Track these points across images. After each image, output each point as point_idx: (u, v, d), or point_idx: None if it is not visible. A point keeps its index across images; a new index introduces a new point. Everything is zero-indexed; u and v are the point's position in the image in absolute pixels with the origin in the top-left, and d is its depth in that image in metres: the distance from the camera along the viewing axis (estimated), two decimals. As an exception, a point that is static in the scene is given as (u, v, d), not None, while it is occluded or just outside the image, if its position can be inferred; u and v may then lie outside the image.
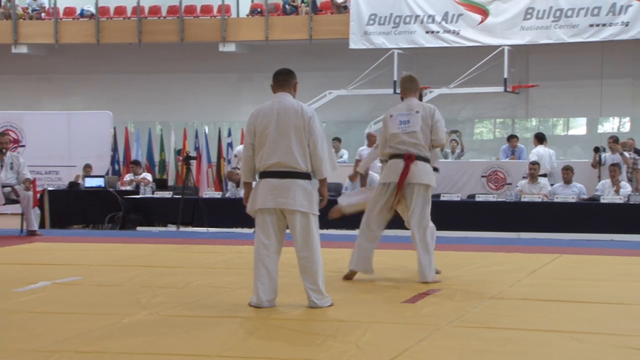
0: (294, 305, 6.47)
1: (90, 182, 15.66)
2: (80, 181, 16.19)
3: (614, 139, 14.85)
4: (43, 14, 22.88)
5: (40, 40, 22.46)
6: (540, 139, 15.67)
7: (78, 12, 22.63)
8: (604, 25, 18.28)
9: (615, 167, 13.42)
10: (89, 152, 17.52)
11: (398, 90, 21.33)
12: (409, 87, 7.89)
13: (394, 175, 7.59)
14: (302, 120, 6.26)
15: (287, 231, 6.43)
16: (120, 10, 22.50)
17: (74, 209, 15.30)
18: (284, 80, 6.50)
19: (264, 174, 6.33)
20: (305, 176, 6.29)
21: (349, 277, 7.81)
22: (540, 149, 15.30)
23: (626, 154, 14.49)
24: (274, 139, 6.25)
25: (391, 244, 10.08)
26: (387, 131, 7.73)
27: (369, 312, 6.26)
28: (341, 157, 18.04)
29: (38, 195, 13.63)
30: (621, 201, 12.62)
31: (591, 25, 18.38)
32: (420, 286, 7.35)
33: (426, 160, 7.66)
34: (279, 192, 6.23)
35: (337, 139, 18.42)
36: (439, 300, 6.72)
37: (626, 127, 20.45)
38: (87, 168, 16.82)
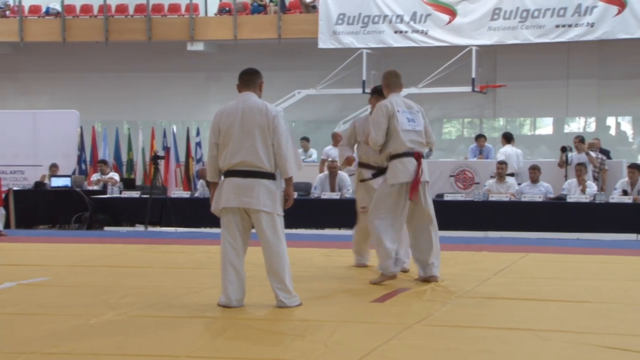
0: (262, 305, 6.45)
1: (56, 182, 15.53)
2: (46, 181, 16.05)
3: (580, 139, 15.00)
4: (8, 12, 22.62)
5: (5, 39, 22.19)
6: (507, 138, 15.81)
7: (44, 10, 22.40)
8: (569, 26, 18.45)
9: (581, 167, 13.55)
10: (55, 151, 17.39)
11: (367, 90, 21.46)
12: (395, 83, 7.72)
13: (410, 174, 7.44)
14: (267, 119, 6.24)
15: (253, 230, 6.42)
16: (86, 9, 22.31)
17: (40, 209, 15.17)
18: (249, 79, 6.48)
19: (228, 173, 6.32)
20: (270, 176, 6.27)
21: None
22: (508, 148, 15.42)
23: (592, 153, 14.64)
24: (238, 138, 6.24)
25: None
26: (396, 125, 7.43)
27: (338, 312, 6.27)
28: (310, 156, 18.05)
29: (3, 195, 13.50)
30: (587, 200, 12.75)
31: (557, 26, 18.55)
32: (388, 285, 7.37)
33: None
34: (242, 192, 6.22)
35: (305, 139, 18.42)
36: (407, 299, 6.74)
37: (592, 127, 20.67)
38: (53, 168, 16.68)
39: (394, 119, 7.44)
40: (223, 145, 6.32)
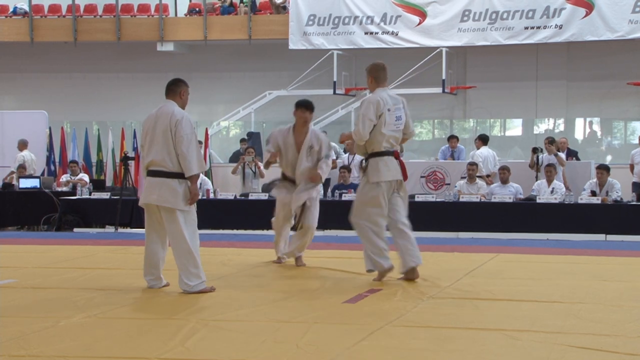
0: (234, 306, 6.44)
1: (25, 183, 15.37)
2: (14, 182, 15.87)
3: (549, 140, 15.08)
4: (-25, 12, 22.38)
5: (-29, 39, 21.98)
6: (484, 140, 15.74)
7: (11, 9, 22.18)
8: (538, 27, 18.60)
9: (550, 168, 13.63)
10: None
11: (338, 91, 21.37)
12: (383, 77, 7.71)
13: (395, 173, 7.60)
14: (170, 124, 7.02)
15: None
16: (54, 9, 22.12)
17: (8, 210, 15.00)
18: (169, 89, 7.32)
19: (147, 173, 7.20)
20: (174, 175, 7.03)
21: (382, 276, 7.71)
22: (484, 150, 15.43)
23: (561, 154, 14.72)
24: (150, 141, 7.14)
25: (332, 244, 10.11)
26: (384, 125, 7.50)
27: (310, 313, 6.26)
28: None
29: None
30: (556, 201, 12.84)
31: (526, 28, 18.69)
32: (361, 286, 7.37)
33: None
34: (152, 189, 7.11)
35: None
36: (379, 300, 6.75)
37: (561, 128, 20.84)
38: (21, 169, 16.49)
39: (382, 119, 7.49)
40: (143, 147, 7.25)
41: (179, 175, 7.03)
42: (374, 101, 7.50)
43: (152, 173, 7.12)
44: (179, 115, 7.05)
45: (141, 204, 7.25)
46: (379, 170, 7.54)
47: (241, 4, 21.35)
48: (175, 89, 7.28)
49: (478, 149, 15.59)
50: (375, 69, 7.71)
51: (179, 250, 7.02)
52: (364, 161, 7.77)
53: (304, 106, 8.57)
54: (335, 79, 19.68)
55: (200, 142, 17.49)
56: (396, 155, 7.62)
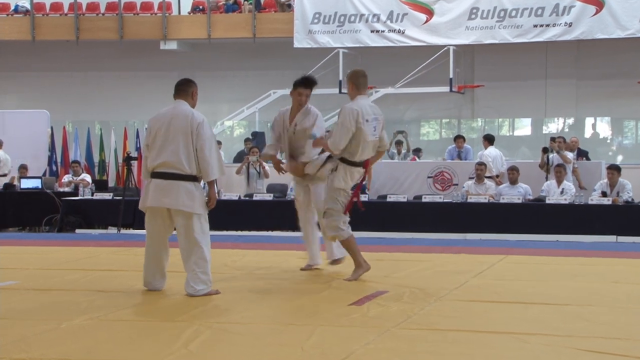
0: (238, 308, 6.39)
1: (26, 184, 15.31)
2: (15, 182, 15.80)
3: (552, 139, 14.93)
4: (-24, 10, 22.35)
5: (-28, 37, 21.95)
6: (490, 140, 15.64)
7: (12, 8, 22.17)
8: (547, 25, 18.52)
9: (560, 168, 13.53)
10: (24, 152, 17.15)
11: (344, 90, 21.36)
12: (364, 84, 7.63)
13: (351, 185, 7.69)
14: (191, 126, 6.81)
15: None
16: (56, 7, 22.11)
17: (9, 211, 14.94)
18: (181, 89, 7.08)
19: (153, 175, 6.93)
20: (189, 178, 6.83)
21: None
22: (492, 150, 15.34)
23: (569, 154, 14.58)
24: (163, 141, 6.86)
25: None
26: (362, 136, 7.41)
27: (315, 315, 6.20)
28: (286, 157, 17.89)
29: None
30: (566, 202, 12.72)
31: (535, 26, 18.60)
32: (366, 288, 7.29)
33: None
34: (164, 193, 6.85)
35: (281, 139, 18.25)
36: (385, 303, 6.67)
37: (570, 127, 20.71)
38: (22, 169, 16.42)
39: (361, 129, 7.41)
40: (152, 147, 6.93)
41: (195, 178, 6.83)
42: (353, 111, 7.43)
43: (162, 175, 6.82)
44: (200, 118, 6.84)
45: (147, 207, 6.95)
46: (345, 179, 7.60)
47: (245, 2, 21.29)
48: (187, 89, 7.04)
49: (485, 149, 15.49)
50: (356, 75, 7.63)
51: (192, 255, 6.85)
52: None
53: (302, 84, 8.04)
54: (341, 78, 19.57)
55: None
56: (366, 165, 7.61)
